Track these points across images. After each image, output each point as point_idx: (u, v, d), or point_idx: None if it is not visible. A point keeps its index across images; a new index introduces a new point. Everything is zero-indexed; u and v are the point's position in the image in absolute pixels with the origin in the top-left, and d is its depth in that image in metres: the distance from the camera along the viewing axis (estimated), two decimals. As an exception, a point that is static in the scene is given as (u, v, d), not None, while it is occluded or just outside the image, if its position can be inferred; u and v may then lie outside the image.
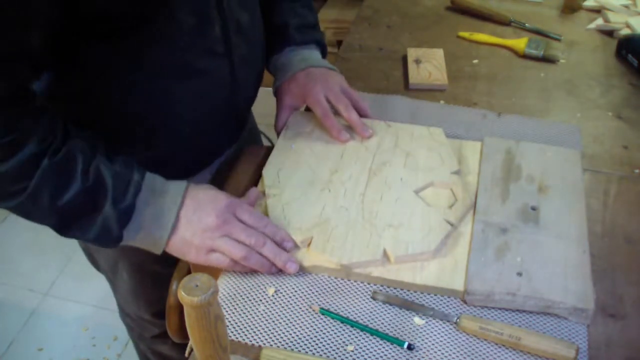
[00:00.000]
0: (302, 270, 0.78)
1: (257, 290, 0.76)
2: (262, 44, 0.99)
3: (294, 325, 0.72)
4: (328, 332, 0.72)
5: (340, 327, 0.72)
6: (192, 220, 0.74)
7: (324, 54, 1.07)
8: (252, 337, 0.71)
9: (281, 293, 0.76)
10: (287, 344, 0.70)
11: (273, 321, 0.73)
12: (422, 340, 0.70)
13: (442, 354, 0.69)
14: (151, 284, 1.14)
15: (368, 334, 0.71)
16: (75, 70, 0.74)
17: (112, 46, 0.73)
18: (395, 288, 0.76)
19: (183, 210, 0.74)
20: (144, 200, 0.73)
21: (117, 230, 0.72)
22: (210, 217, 0.74)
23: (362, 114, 0.97)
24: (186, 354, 0.72)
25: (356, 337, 0.71)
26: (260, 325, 0.72)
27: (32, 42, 0.65)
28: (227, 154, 1.02)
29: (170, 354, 1.34)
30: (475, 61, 1.22)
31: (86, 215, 0.71)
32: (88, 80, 0.76)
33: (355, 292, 0.76)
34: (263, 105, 1.23)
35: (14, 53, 0.64)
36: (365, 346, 0.70)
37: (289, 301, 0.75)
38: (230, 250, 0.74)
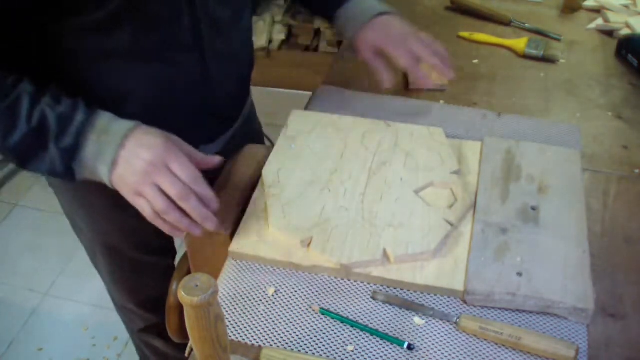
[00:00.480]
0: (302, 270, 0.78)
1: (257, 290, 0.76)
2: (249, 43, 1.00)
3: (294, 325, 0.72)
4: (328, 332, 0.72)
5: (340, 327, 0.72)
6: (129, 161, 0.75)
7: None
8: (252, 337, 0.71)
9: (281, 293, 0.76)
10: (287, 344, 0.70)
11: (273, 321, 0.73)
12: (422, 340, 0.70)
13: (442, 354, 0.69)
14: (130, 270, 1.15)
15: (368, 334, 0.71)
16: (42, 48, 0.80)
17: (78, 27, 0.77)
18: (395, 288, 0.76)
19: (123, 151, 0.75)
20: (87, 138, 0.75)
21: (62, 167, 0.76)
22: (143, 162, 0.75)
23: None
24: (186, 354, 0.72)
25: (356, 337, 0.71)
26: (260, 325, 0.72)
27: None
28: (217, 146, 1.02)
29: (166, 350, 1.34)
30: (475, 61, 1.22)
31: (36, 154, 0.76)
32: (54, 60, 0.81)
33: (355, 292, 0.76)
34: (263, 105, 1.24)
35: None
36: (365, 346, 0.70)
37: (289, 301, 0.75)
38: (154, 200, 0.75)
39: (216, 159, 0.82)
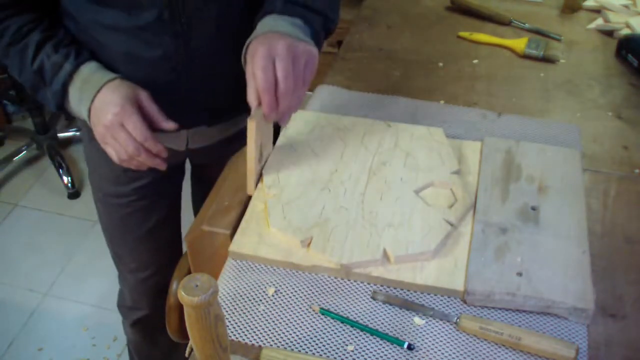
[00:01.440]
0: (302, 270, 0.78)
1: (257, 290, 0.76)
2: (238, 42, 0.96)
3: (294, 325, 0.72)
4: (328, 332, 0.72)
5: (340, 327, 0.72)
6: (98, 113, 0.88)
7: (315, 36, 0.89)
8: (252, 337, 0.71)
9: (281, 293, 0.76)
10: (287, 344, 0.70)
11: (273, 321, 0.73)
12: (422, 340, 0.70)
13: (442, 354, 0.69)
14: (120, 215, 1.18)
15: (368, 334, 0.71)
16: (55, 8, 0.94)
17: None
18: (395, 288, 0.76)
19: (95, 102, 0.88)
20: (73, 85, 0.90)
21: (53, 105, 0.93)
22: (105, 118, 0.87)
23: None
24: (186, 354, 0.72)
25: (356, 337, 0.71)
26: (260, 325, 0.72)
27: None
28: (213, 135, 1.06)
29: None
30: (475, 61, 1.22)
31: (39, 90, 0.94)
32: (68, 21, 0.94)
33: (355, 292, 0.76)
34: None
35: None
36: (365, 346, 0.70)
37: (289, 301, 0.75)
38: (117, 151, 0.89)
39: (171, 126, 0.91)
